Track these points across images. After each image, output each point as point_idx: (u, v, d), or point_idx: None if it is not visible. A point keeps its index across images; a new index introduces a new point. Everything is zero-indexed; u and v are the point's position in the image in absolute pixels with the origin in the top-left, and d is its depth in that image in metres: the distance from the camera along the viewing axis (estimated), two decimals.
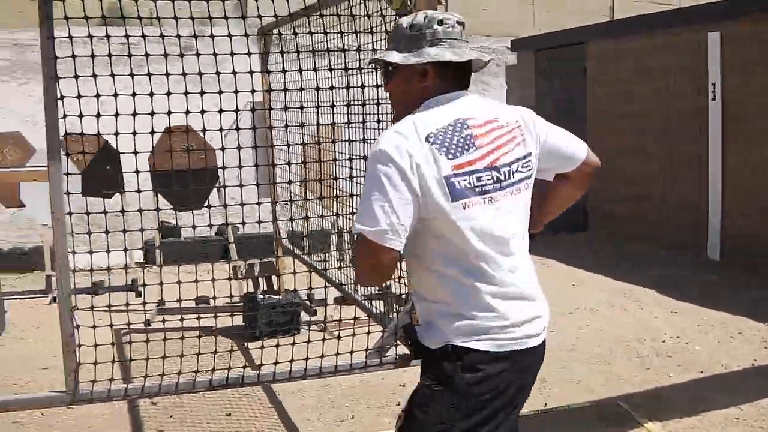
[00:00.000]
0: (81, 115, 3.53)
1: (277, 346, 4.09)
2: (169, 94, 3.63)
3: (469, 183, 2.61)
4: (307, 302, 7.39)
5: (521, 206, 2.78)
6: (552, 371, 6.10)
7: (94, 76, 3.50)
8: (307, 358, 3.82)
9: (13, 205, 9.30)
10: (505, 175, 2.69)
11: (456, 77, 2.78)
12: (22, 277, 10.27)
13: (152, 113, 3.63)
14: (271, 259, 7.35)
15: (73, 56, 3.54)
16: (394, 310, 4.45)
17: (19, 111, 14.88)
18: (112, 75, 3.53)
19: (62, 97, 3.37)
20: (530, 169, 2.79)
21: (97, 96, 3.55)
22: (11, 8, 15.77)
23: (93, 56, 3.49)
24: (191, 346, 3.99)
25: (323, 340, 4.01)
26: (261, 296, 6.90)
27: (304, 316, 7.14)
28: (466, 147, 2.62)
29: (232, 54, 3.72)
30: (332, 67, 4.19)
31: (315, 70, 4.27)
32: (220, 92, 3.67)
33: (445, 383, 2.70)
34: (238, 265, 7.03)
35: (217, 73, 3.71)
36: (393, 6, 3.68)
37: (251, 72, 3.86)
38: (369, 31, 4.12)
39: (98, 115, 3.65)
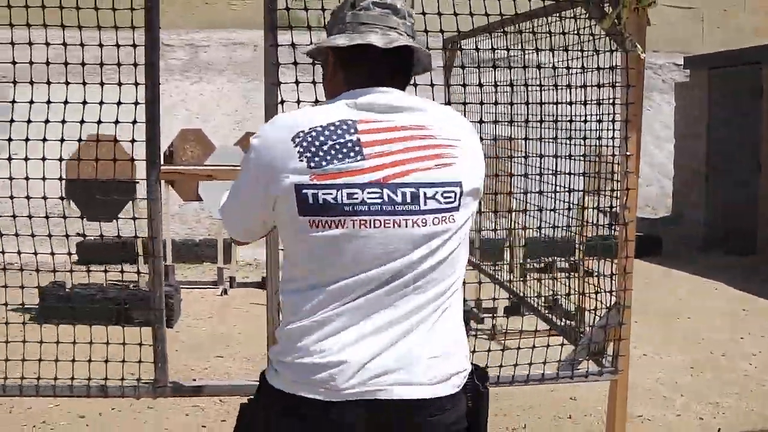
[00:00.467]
0: None
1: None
2: None
3: (334, 198, 2.10)
4: (475, 310, 7.47)
5: (424, 246, 2.16)
6: (725, 395, 6.02)
7: (314, 83, 3.67)
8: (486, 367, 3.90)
9: (191, 199, 9.67)
10: (403, 198, 2.13)
11: (372, 71, 2.27)
12: (191, 268, 10.67)
13: None
14: None
15: (295, 63, 3.67)
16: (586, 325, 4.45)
17: (190, 108, 15.47)
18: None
19: (282, 102, 3.53)
20: (452, 202, 2.17)
21: (317, 102, 3.71)
22: (184, 10, 16.48)
23: (314, 63, 3.65)
24: None
25: (503, 349, 4.07)
26: None
27: (471, 324, 7.20)
28: (344, 154, 2.12)
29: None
30: (527, 82, 4.22)
31: (511, 85, 4.33)
32: None
33: None
34: None
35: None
36: (603, 25, 3.71)
37: (432, 84, 3.96)
38: (563, 48, 4.17)
39: None
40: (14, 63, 3.52)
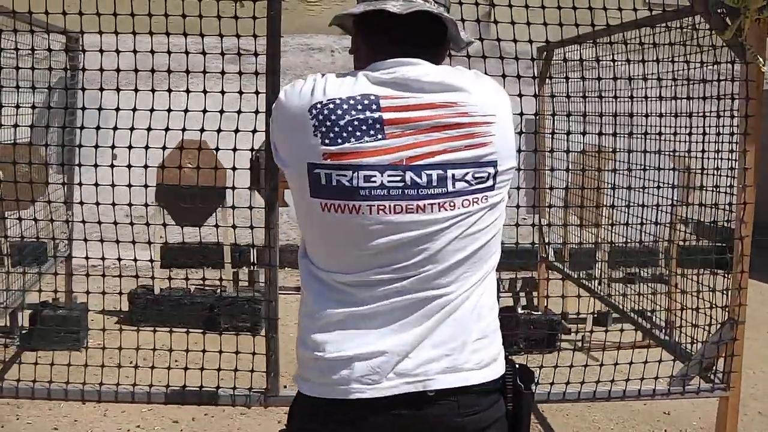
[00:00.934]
0: None
1: (541, 366, 4.20)
2: None
3: (350, 180, 1.93)
4: (562, 320, 7.39)
5: (452, 230, 1.99)
6: None
7: None
8: (574, 381, 3.87)
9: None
10: (429, 180, 1.94)
11: (397, 41, 2.06)
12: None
13: None
14: (532, 274, 7.41)
15: None
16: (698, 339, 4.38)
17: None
18: None
19: None
20: (484, 182, 2.00)
21: None
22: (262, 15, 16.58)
23: None
24: None
25: (600, 365, 4.03)
26: (521, 311, 6.96)
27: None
28: (363, 132, 1.94)
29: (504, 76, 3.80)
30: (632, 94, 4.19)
31: (615, 97, 4.29)
32: None
33: None
34: (499, 277, 7.11)
35: None
36: (724, 36, 3.64)
37: (520, 95, 3.92)
38: (670, 59, 4.13)
39: None
40: (136, 71, 3.57)
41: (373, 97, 1.95)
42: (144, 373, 4.16)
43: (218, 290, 7.13)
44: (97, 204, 4.10)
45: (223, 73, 3.44)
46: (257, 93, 3.45)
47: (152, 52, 3.57)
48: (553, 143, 5.19)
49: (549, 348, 6.60)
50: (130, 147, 3.97)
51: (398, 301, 2.00)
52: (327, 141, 1.93)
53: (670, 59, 4.20)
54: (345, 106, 1.94)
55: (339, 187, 1.94)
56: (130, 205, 4.10)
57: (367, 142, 1.92)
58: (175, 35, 3.61)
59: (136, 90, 3.75)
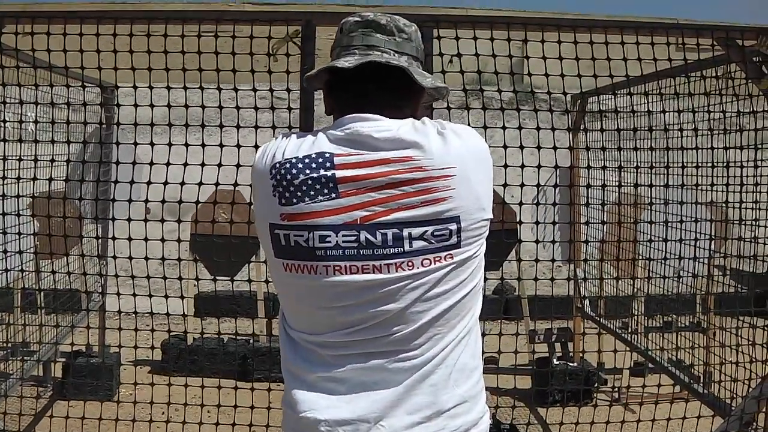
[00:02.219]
0: None
1: (577, 422, 4.13)
2: None
3: (306, 241, 1.90)
4: (599, 371, 7.27)
5: (412, 291, 1.92)
6: None
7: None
8: None
9: None
10: (384, 240, 1.88)
11: (355, 96, 2.03)
12: None
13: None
14: (568, 325, 7.32)
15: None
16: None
17: None
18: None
19: None
20: (446, 240, 1.92)
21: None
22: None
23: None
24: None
25: (638, 420, 3.96)
26: (556, 362, 6.86)
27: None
28: (317, 191, 1.90)
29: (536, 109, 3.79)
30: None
31: (652, 149, 4.26)
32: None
33: None
34: (535, 329, 7.02)
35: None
36: (762, 85, 3.61)
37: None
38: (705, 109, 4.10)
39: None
40: (170, 125, 3.59)
41: (327, 155, 1.92)
42: (176, 428, 4.14)
43: (251, 340, 7.10)
44: (130, 258, 4.12)
45: (256, 127, 3.44)
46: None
47: (186, 106, 3.59)
48: (588, 193, 5.17)
49: (585, 401, 6.49)
50: (163, 201, 3.99)
51: (367, 365, 1.94)
52: (283, 201, 1.92)
53: (706, 109, 4.18)
54: (300, 165, 1.92)
55: (296, 248, 1.92)
56: (163, 259, 4.11)
57: (320, 201, 1.90)
58: (210, 89, 3.64)
59: (170, 144, 3.77)
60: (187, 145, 3.76)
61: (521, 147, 3.99)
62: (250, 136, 3.60)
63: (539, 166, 4.12)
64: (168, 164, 3.88)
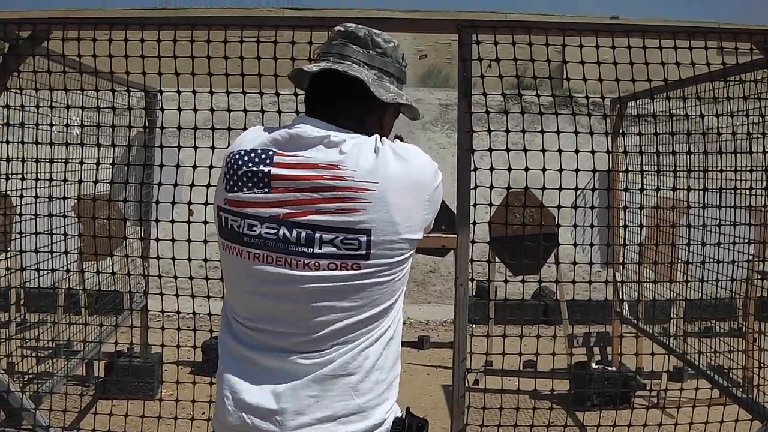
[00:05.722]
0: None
1: (614, 425, 4.12)
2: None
3: (238, 227, 2.08)
4: (637, 376, 7.25)
5: (317, 292, 2.04)
6: None
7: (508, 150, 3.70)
8: None
9: None
10: (297, 238, 2.02)
11: (318, 99, 2.18)
12: None
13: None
14: (607, 329, 7.31)
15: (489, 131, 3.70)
16: None
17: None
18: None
19: (475, 169, 3.57)
20: (355, 249, 2.02)
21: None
22: None
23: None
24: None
25: (675, 423, 3.95)
26: (595, 366, 6.86)
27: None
28: (254, 183, 2.07)
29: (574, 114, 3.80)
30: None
31: (690, 153, 4.26)
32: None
33: None
34: (573, 332, 7.02)
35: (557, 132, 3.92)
36: None
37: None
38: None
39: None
40: (213, 129, 3.63)
41: (270, 152, 2.08)
42: None
43: None
44: (174, 259, 4.19)
45: None
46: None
47: (229, 111, 3.65)
48: (626, 197, 5.16)
49: (623, 404, 6.47)
50: (206, 204, 4.05)
51: (274, 356, 2.07)
52: (227, 187, 2.09)
53: (744, 112, 4.17)
54: (246, 158, 2.09)
55: (232, 231, 2.09)
56: (205, 260, 4.17)
57: (255, 193, 2.06)
58: (252, 93, 3.69)
59: (213, 148, 3.84)
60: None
61: (559, 151, 4.01)
62: None
63: (577, 170, 4.14)
64: (211, 167, 3.94)
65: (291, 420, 2.04)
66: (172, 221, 4.29)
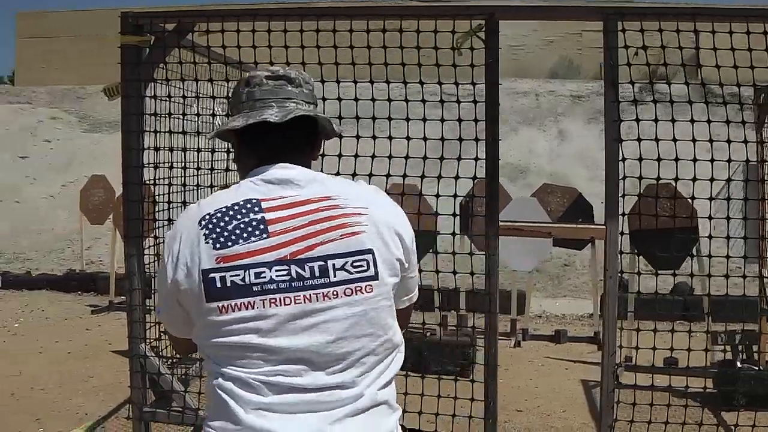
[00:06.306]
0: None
1: (753, 425, 3.96)
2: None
3: (242, 279, 2.05)
4: None
5: (344, 318, 2.09)
6: None
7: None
8: None
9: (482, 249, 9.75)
10: (312, 272, 2.07)
11: (274, 146, 2.23)
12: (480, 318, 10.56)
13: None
14: (753, 327, 7.04)
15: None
16: None
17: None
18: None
19: (624, 159, 3.47)
20: (365, 271, 2.10)
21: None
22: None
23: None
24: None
25: None
26: (740, 365, 6.62)
27: None
28: (249, 233, 2.08)
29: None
30: None
31: None
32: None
33: None
34: (717, 330, 6.79)
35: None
36: None
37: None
38: None
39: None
40: (340, 117, 3.64)
41: (254, 201, 2.12)
42: None
43: (426, 333, 7.15)
44: None
45: (443, 120, 3.46)
46: (477, 140, 3.46)
47: (356, 99, 3.65)
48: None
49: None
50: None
51: (300, 397, 2.05)
52: (218, 245, 2.07)
53: None
54: (231, 213, 2.10)
55: (232, 288, 2.05)
56: None
57: (253, 241, 2.06)
58: (396, 83, 3.68)
59: (357, 137, 3.84)
60: (357, 137, 3.80)
61: (710, 140, 3.86)
62: (436, 128, 3.61)
63: (729, 161, 3.99)
64: (356, 156, 3.92)
65: None
66: None
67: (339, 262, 2.07)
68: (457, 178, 3.69)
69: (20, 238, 14.71)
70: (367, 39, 3.75)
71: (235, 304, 2.05)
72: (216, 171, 4.74)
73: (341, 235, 2.09)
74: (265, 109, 2.21)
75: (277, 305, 2.04)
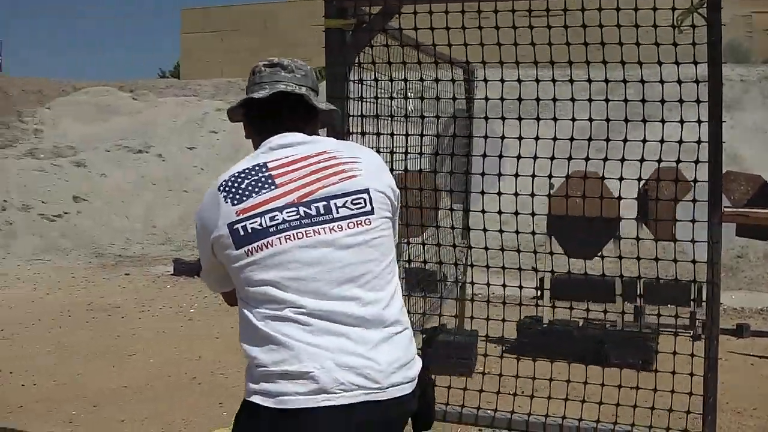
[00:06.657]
0: None
1: None
2: None
3: (260, 224, 2.44)
4: None
5: (353, 246, 2.46)
6: None
7: None
8: None
9: (667, 238, 9.41)
10: (317, 211, 2.46)
11: (276, 121, 2.68)
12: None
13: None
14: None
15: None
16: None
17: None
18: None
19: None
20: (363, 207, 2.50)
21: None
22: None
23: None
24: None
25: None
26: None
27: None
28: (260, 188, 2.49)
29: None
30: None
31: None
32: None
33: None
34: None
35: None
36: None
37: None
38: None
39: None
40: (520, 99, 3.55)
41: (261, 164, 2.55)
42: (538, 403, 4.19)
43: (607, 324, 7.01)
44: (484, 230, 4.18)
45: (662, 101, 3.33)
46: (699, 122, 3.31)
47: (537, 81, 3.57)
48: None
49: None
50: (516, 175, 4.01)
51: (325, 312, 2.38)
52: (236, 202, 2.48)
53: None
54: (243, 175, 2.53)
55: (255, 232, 2.44)
56: (516, 232, 4.12)
57: (264, 193, 2.47)
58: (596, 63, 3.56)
59: (519, 118, 3.76)
60: (538, 119, 3.68)
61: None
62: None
63: None
64: (537, 139, 3.82)
65: (387, 370, 2.39)
66: (482, 192, 4.26)
67: (340, 201, 2.47)
68: (642, 161, 3.59)
69: (189, 226, 15.21)
70: (582, 17, 3.61)
71: (258, 246, 2.43)
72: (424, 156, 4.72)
73: (340, 179, 2.50)
74: (259, 91, 2.67)
75: (291, 240, 2.42)
